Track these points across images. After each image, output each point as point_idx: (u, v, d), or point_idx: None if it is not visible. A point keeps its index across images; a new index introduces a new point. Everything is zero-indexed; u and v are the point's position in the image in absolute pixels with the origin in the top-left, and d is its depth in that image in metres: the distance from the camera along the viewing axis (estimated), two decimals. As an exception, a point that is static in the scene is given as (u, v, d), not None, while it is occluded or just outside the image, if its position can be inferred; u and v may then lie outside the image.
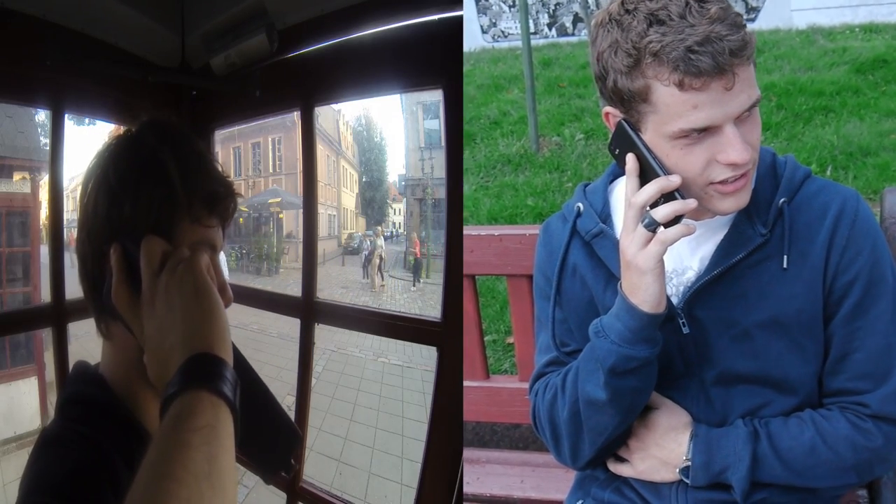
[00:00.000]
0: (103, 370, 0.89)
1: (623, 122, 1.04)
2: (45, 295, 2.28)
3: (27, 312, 2.77)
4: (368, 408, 5.52)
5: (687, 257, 1.13)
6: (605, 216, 1.19)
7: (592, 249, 1.18)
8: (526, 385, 1.30)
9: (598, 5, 7.60)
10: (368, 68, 1.81)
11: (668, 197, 1.00)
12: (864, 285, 1.06)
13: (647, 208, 1.01)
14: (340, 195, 11.70)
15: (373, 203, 12.65)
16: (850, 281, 1.06)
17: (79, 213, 0.86)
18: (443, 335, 1.74)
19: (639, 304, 1.03)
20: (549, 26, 7.78)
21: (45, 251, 2.12)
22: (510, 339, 3.05)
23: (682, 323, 1.11)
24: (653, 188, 1.00)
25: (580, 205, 1.21)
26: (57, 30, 1.74)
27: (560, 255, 1.21)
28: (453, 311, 1.71)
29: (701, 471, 1.12)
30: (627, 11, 0.98)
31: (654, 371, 1.09)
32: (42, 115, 4.03)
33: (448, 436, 1.75)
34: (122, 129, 0.93)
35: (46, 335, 2.91)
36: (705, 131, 0.98)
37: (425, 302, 8.96)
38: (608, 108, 1.07)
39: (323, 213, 10.11)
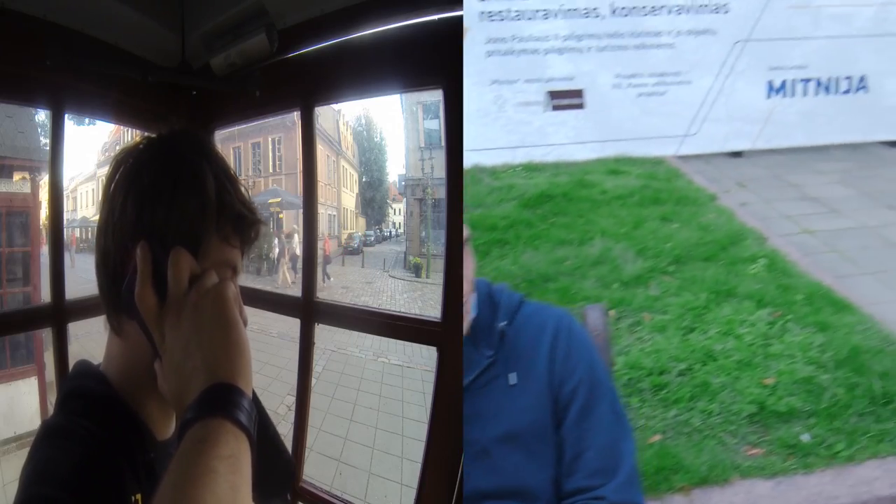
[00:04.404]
0: (106, 368, 0.89)
1: None
2: (45, 295, 2.28)
3: (27, 312, 2.77)
4: (368, 408, 5.51)
5: None
6: None
7: None
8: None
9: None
10: (368, 68, 1.81)
11: None
12: (588, 389, 1.17)
13: None
14: (340, 195, 11.69)
15: (373, 203, 12.62)
16: (574, 387, 1.17)
17: (102, 207, 0.86)
18: (443, 335, 1.74)
19: None
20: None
21: (45, 251, 2.12)
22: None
23: None
24: None
25: None
26: (57, 30, 1.74)
27: None
28: (453, 311, 1.70)
29: None
30: None
31: None
32: (42, 115, 4.02)
33: (448, 436, 1.75)
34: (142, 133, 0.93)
35: (46, 335, 2.90)
36: None
37: (425, 302, 8.95)
38: None
39: (323, 213, 10.09)
